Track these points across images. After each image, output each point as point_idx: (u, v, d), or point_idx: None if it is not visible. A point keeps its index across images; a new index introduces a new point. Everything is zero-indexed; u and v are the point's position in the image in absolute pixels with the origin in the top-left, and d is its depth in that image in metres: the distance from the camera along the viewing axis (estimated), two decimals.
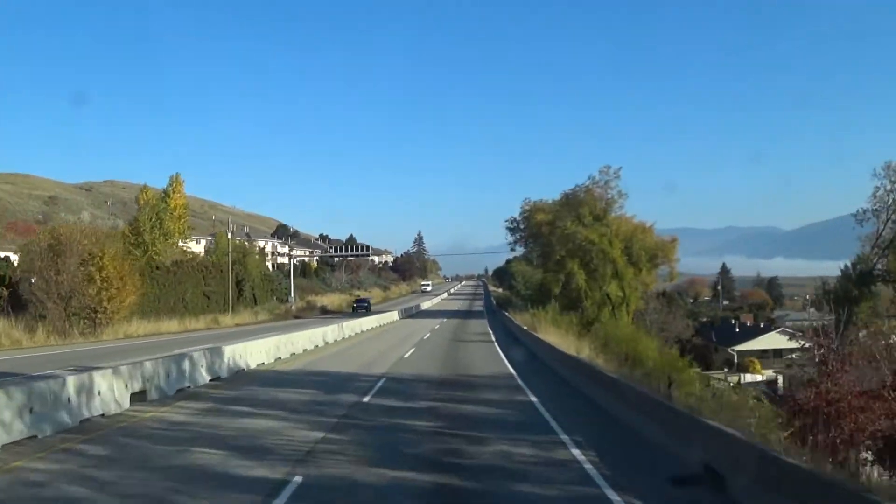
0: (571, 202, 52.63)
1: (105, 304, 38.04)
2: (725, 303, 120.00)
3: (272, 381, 18.65)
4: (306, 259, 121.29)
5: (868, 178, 38.95)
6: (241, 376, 19.57)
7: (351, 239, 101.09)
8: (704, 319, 73.23)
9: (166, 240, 63.30)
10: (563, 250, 52.32)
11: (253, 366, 21.45)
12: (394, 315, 55.40)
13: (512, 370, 21.50)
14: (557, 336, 30.04)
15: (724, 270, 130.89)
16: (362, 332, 39.73)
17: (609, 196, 51.03)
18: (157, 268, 57.02)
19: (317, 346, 29.41)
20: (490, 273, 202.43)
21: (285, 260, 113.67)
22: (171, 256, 63.13)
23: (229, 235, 65.90)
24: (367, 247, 70.50)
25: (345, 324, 36.52)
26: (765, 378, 53.37)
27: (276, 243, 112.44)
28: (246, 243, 78.56)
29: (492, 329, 44.37)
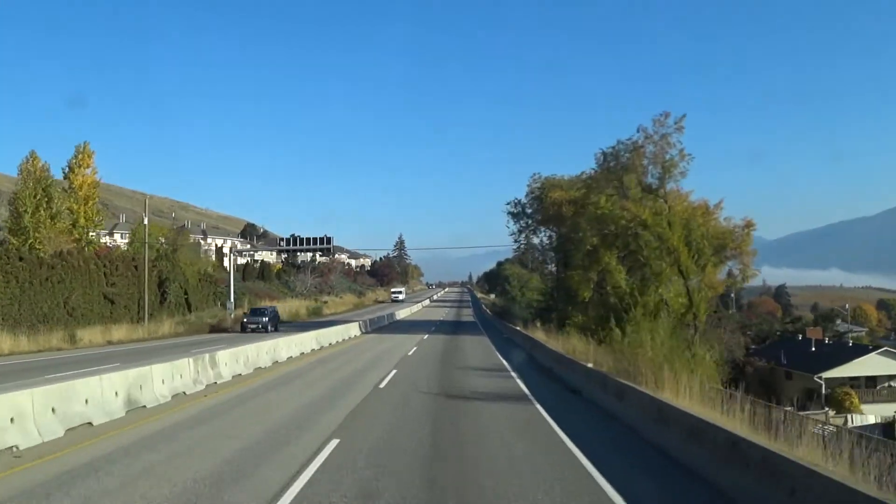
0: (613, 169, 34.19)
1: None
2: (731, 311, 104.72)
3: None
4: (272, 260, 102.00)
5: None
6: None
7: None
8: (749, 333, 55.24)
9: (54, 224, 44.36)
10: (597, 237, 34.00)
11: None
12: (352, 329, 35.95)
13: None
14: (725, 415, 11.43)
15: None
16: (273, 364, 20.28)
17: (668, 157, 32.64)
18: (21, 259, 37.78)
19: (96, 423, 10.51)
20: (475, 280, 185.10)
21: (248, 260, 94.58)
22: (62, 246, 43.90)
23: (145, 222, 46.64)
24: (329, 239, 51.57)
25: (238, 350, 17.17)
26: (882, 420, 35.11)
27: (236, 242, 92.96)
28: (166, 233, 58.98)
29: (505, 359, 25.21)
